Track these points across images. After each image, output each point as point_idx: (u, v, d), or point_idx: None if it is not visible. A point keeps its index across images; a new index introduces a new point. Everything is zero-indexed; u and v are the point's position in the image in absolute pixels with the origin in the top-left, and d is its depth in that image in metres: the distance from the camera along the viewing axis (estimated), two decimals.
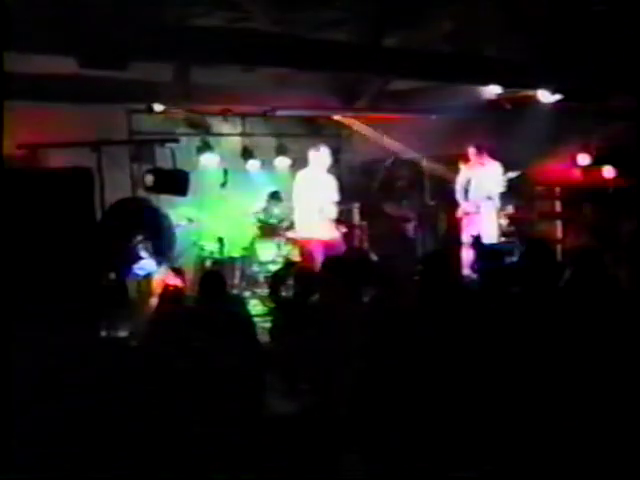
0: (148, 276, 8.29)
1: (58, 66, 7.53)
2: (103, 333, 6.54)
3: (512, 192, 10.58)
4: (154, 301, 7.10)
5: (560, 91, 9.27)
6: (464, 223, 10.48)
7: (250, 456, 4.75)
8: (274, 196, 11.02)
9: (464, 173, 10.64)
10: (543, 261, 5.93)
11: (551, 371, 4.87)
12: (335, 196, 9.31)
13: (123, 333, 6.98)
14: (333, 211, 9.24)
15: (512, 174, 10.36)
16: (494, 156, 10.49)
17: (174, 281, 7.75)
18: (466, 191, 10.55)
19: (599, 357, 4.92)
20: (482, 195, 10.38)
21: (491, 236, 10.29)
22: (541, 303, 5.37)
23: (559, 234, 11.18)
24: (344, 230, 9.93)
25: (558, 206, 11.38)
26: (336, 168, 10.37)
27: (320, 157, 9.21)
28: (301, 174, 9.31)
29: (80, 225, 6.32)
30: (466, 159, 10.58)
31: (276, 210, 10.95)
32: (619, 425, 4.58)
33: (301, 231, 9.28)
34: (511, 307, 5.56)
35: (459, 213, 10.58)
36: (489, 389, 4.82)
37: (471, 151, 10.46)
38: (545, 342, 5.02)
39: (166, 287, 7.36)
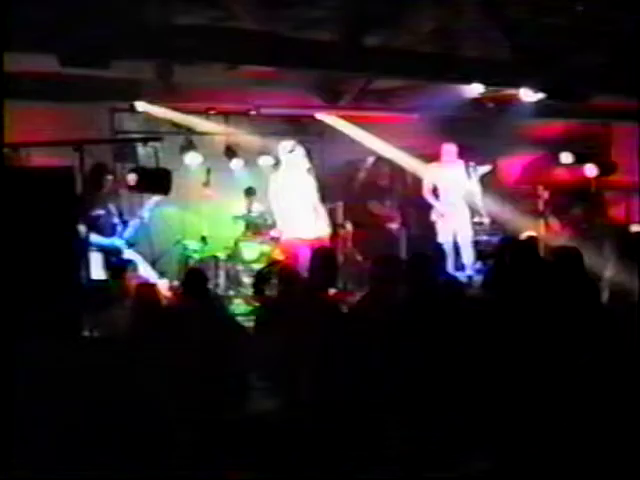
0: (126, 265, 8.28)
1: (40, 64, 7.53)
2: (87, 334, 6.54)
3: (484, 189, 10.66)
4: (131, 301, 7.06)
5: (542, 90, 9.32)
6: (439, 225, 10.54)
7: (232, 454, 4.80)
8: (249, 192, 11.05)
9: (432, 172, 10.67)
10: (528, 261, 6.00)
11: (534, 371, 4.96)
12: (315, 195, 9.30)
13: (106, 334, 6.97)
14: (314, 210, 9.22)
15: (483, 169, 10.41)
16: (469, 154, 10.56)
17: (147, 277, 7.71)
18: (435, 192, 10.61)
19: (581, 356, 5.02)
20: (454, 195, 10.42)
21: (467, 235, 10.37)
22: (523, 302, 5.44)
23: (542, 233, 11.23)
24: (328, 229, 9.91)
25: (541, 205, 11.44)
26: (319, 167, 10.39)
27: (295, 157, 9.18)
28: (276, 174, 9.29)
29: (62, 225, 6.31)
30: (437, 157, 10.62)
31: (256, 207, 10.99)
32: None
33: (283, 230, 9.28)
34: (495, 308, 5.64)
35: (433, 215, 10.63)
36: (476, 390, 4.90)
37: (447, 148, 10.51)
38: (525, 342, 5.11)
39: (141, 285, 7.31)
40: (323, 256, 6.19)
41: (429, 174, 10.69)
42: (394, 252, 11.27)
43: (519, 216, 11.01)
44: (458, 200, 10.49)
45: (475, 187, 10.41)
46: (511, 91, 9.94)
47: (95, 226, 8.16)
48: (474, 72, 9.07)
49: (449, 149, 10.53)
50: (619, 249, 6.73)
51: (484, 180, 10.47)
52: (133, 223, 8.91)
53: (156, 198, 9.04)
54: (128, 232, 8.86)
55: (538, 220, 11.31)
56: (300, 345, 5.34)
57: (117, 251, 8.68)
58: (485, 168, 10.40)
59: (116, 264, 8.52)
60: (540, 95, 9.40)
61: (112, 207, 8.89)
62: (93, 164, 7.73)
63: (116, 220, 8.87)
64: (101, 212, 8.55)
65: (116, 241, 8.70)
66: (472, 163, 10.43)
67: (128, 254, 8.79)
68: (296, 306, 5.72)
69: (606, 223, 10.89)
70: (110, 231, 8.71)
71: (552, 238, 10.39)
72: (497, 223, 11.02)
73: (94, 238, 7.90)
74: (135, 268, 8.33)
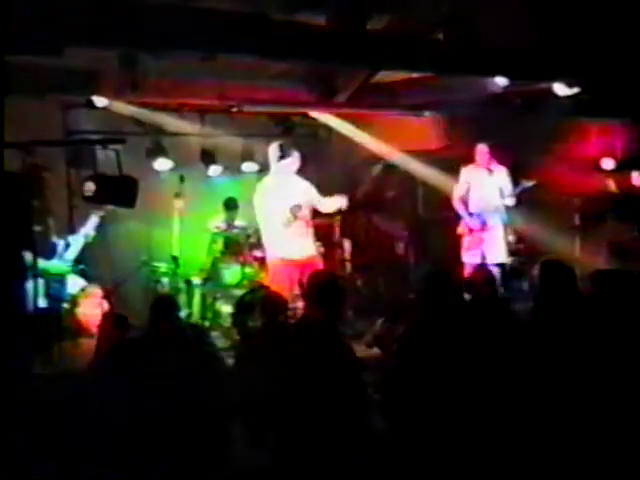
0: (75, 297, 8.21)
1: None
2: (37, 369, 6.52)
3: (524, 204, 10.60)
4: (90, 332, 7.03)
5: (579, 84, 9.28)
6: (466, 241, 10.48)
7: None
8: (229, 204, 11.07)
9: (464, 178, 10.63)
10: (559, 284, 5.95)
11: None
12: (316, 196, 9.21)
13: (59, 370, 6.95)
14: (306, 225, 9.13)
15: (527, 183, 10.32)
16: (502, 160, 10.49)
17: (102, 304, 7.66)
18: (465, 201, 10.57)
19: (623, 386, 5.19)
20: (487, 207, 10.37)
21: (499, 257, 10.31)
22: (557, 330, 5.52)
23: (577, 252, 11.18)
24: (322, 248, 9.85)
25: (577, 219, 11.39)
26: (312, 174, 10.32)
27: (286, 162, 9.09)
28: (263, 183, 9.19)
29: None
30: (469, 160, 10.57)
31: (238, 222, 10.95)
32: None
33: (270, 249, 9.19)
34: (524, 335, 5.74)
35: (460, 229, 10.57)
36: (498, 418, 5.08)
37: (480, 149, 10.45)
38: (559, 371, 5.29)
39: (106, 316, 7.27)
40: (323, 283, 6.09)
41: (463, 178, 10.63)
42: (400, 276, 11.26)
43: (551, 233, 10.97)
44: (492, 213, 10.44)
45: (511, 200, 10.37)
46: (542, 85, 9.88)
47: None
48: (497, 63, 9.03)
49: (484, 149, 10.48)
50: None
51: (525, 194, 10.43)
52: (76, 242, 8.82)
53: (100, 212, 8.97)
54: (71, 252, 8.77)
55: (573, 237, 11.25)
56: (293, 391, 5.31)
57: (60, 275, 8.59)
58: (529, 182, 10.31)
59: (57, 291, 8.44)
60: (576, 90, 9.36)
61: (51, 222, 8.79)
62: (28, 166, 7.63)
63: (55, 238, 8.76)
64: (38, 228, 8.47)
65: (57, 263, 8.60)
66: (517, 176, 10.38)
67: (73, 279, 8.70)
68: (290, 344, 5.69)
69: None
70: (50, 251, 8.59)
71: (589, 259, 10.34)
72: (525, 241, 10.96)
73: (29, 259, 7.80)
74: (86, 295, 8.28)
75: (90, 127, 10.52)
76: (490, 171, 10.43)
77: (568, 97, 9.57)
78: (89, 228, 9.03)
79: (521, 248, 10.94)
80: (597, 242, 10.95)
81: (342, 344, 5.69)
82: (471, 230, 10.43)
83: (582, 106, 9.87)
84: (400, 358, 5.69)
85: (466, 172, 10.59)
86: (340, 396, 5.23)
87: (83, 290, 8.29)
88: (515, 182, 10.38)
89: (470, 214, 10.47)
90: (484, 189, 10.45)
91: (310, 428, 5.17)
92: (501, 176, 10.44)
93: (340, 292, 5.98)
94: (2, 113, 5.41)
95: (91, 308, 7.78)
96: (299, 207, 8.83)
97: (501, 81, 9.82)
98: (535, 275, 6.75)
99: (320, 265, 9.05)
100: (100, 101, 9.78)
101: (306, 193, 9.16)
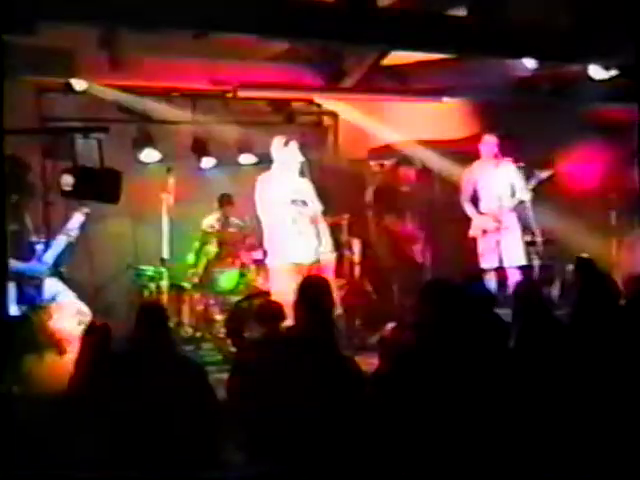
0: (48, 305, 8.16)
1: None
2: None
3: (554, 202, 10.56)
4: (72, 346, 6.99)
5: (617, 66, 9.22)
6: (481, 245, 10.45)
7: None
8: (223, 200, 11.04)
9: (469, 177, 10.68)
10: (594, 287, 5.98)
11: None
12: (316, 204, 9.19)
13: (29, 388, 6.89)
14: (312, 225, 9.09)
15: (542, 174, 10.29)
16: (518, 152, 10.50)
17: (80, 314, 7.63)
18: (474, 199, 10.57)
19: None
20: (500, 205, 10.36)
21: (518, 259, 10.33)
22: (590, 338, 5.52)
23: (614, 254, 11.13)
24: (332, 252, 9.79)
25: (613, 218, 11.34)
26: (317, 167, 10.29)
27: (288, 155, 9.06)
28: (264, 177, 9.15)
29: None
30: (476, 154, 10.59)
31: (233, 220, 10.90)
32: None
33: (272, 252, 9.14)
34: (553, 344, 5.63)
35: (473, 231, 10.55)
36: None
37: (487, 141, 10.47)
38: (590, 384, 5.26)
39: (88, 327, 7.24)
40: (309, 289, 6.04)
41: (469, 175, 10.66)
42: (415, 281, 11.22)
43: (584, 234, 10.90)
44: (506, 211, 10.42)
45: (526, 195, 10.27)
46: (575, 68, 9.82)
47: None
48: (526, 43, 8.96)
49: (491, 141, 10.51)
50: None
51: (539, 186, 10.33)
52: (57, 242, 8.78)
53: (85, 209, 8.94)
54: (51, 254, 8.72)
55: (609, 237, 11.20)
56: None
57: (37, 279, 8.59)
58: (544, 173, 10.26)
59: (32, 297, 8.37)
60: (613, 73, 9.30)
61: (29, 220, 8.75)
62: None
63: (34, 238, 8.71)
64: (14, 227, 8.45)
65: (36, 266, 8.58)
66: (531, 167, 10.32)
67: (51, 283, 8.69)
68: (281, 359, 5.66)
69: None
70: (27, 253, 8.61)
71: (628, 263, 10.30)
72: (554, 243, 10.90)
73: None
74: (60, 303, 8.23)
75: (68, 113, 10.57)
76: (498, 165, 10.49)
77: (604, 81, 9.53)
78: (73, 227, 8.97)
79: (550, 250, 10.85)
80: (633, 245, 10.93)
81: (339, 354, 5.73)
82: (485, 232, 10.44)
83: (620, 91, 9.83)
84: (400, 371, 5.62)
85: (471, 170, 10.67)
86: (340, 411, 5.23)
87: (57, 297, 8.25)
88: (528, 174, 10.35)
89: (481, 214, 10.47)
90: (493, 185, 10.50)
91: (309, 443, 5.16)
92: (511, 169, 10.46)
93: (331, 299, 5.97)
94: (2, 98, 5.42)
95: (66, 318, 7.70)
96: (303, 202, 8.80)
97: (530, 63, 9.77)
98: (569, 271, 6.71)
99: (330, 271, 8.99)
100: (79, 84, 9.81)
101: (309, 190, 9.14)
